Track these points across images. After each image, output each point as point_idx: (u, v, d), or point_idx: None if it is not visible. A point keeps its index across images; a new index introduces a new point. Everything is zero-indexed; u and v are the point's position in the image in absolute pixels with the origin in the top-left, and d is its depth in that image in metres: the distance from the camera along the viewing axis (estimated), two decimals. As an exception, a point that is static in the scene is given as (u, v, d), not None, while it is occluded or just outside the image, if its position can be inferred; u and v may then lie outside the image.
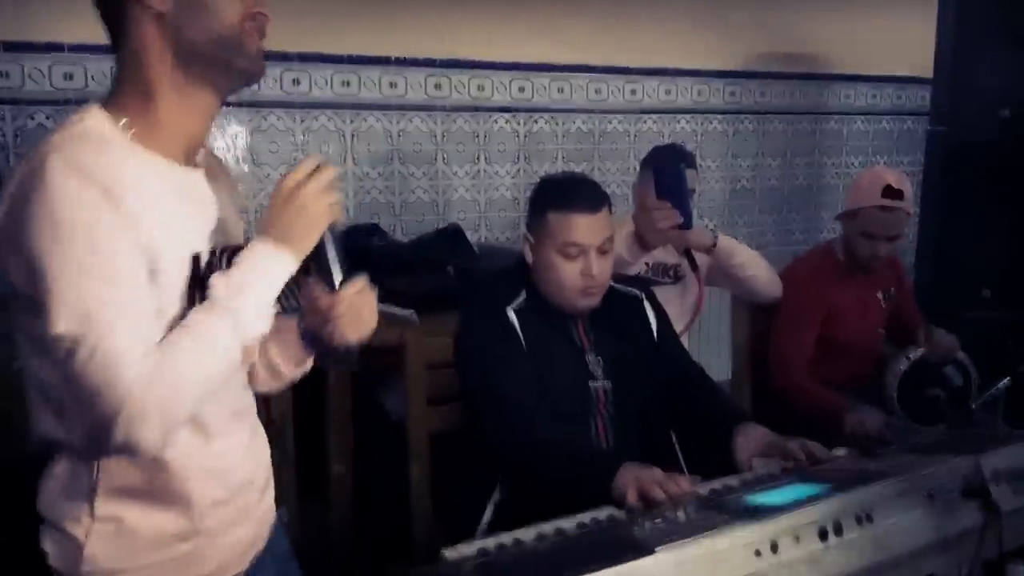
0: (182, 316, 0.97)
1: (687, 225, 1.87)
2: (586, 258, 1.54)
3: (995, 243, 2.85)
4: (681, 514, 1.06)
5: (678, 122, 3.45)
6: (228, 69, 1.01)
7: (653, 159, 2.26)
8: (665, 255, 2.30)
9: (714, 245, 2.19)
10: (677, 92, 3.42)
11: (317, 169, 1.02)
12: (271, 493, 1.21)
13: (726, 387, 2.55)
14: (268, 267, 0.99)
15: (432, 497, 1.79)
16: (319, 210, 1.00)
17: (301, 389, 1.37)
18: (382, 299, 2.41)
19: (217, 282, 0.97)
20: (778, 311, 2.33)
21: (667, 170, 1.97)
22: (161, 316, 0.96)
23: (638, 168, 2.36)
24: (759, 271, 2.27)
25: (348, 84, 2.80)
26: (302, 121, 2.74)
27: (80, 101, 2.41)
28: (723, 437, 1.46)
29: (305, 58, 2.71)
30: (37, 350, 0.96)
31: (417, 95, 2.92)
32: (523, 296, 1.60)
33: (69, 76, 2.41)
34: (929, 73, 3.16)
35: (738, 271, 2.24)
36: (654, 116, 3.39)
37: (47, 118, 2.40)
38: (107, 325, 0.89)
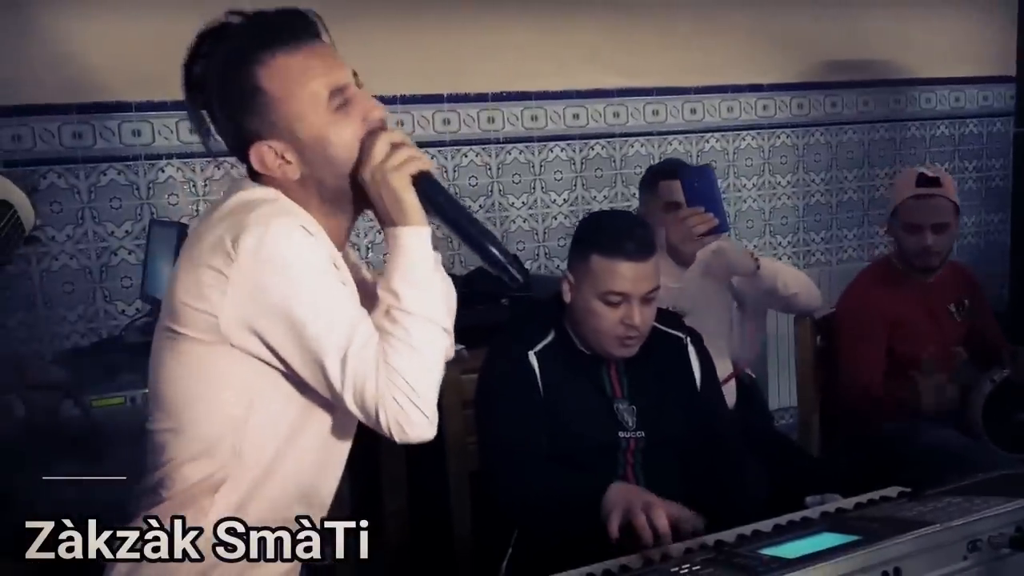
0: None
1: (723, 228, 1.84)
2: (628, 306, 1.45)
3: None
4: (696, 568, 1.01)
5: (743, 139, 3.34)
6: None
7: (654, 177, 2.21)
8: None
9: (757, 269, 2.14)
10: (740, 108, 3.31)
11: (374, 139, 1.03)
12: None
13: (793, 414, 2.44)
14: (405, 247, 1.03)
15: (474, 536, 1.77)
16: (398, 175, 1.02)
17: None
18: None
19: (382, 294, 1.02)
20: (837, 334, 2.22)
21: (696, 174, 1.88)
22: None
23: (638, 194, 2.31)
24: (800, 288, 2.21)
25: (402, 124, 2.85)
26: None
27: (149, 156, 2.63)
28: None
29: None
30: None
31: (471, 130, 2.94)
32: (551, 336, 1.53)
33: (137, 132, 2.58)
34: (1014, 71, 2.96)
35: (781, 291, 2.18)
36: (716, 134, 3.30)
37: (118, 173, 2.58)
38: (360, 342, 0.99)
